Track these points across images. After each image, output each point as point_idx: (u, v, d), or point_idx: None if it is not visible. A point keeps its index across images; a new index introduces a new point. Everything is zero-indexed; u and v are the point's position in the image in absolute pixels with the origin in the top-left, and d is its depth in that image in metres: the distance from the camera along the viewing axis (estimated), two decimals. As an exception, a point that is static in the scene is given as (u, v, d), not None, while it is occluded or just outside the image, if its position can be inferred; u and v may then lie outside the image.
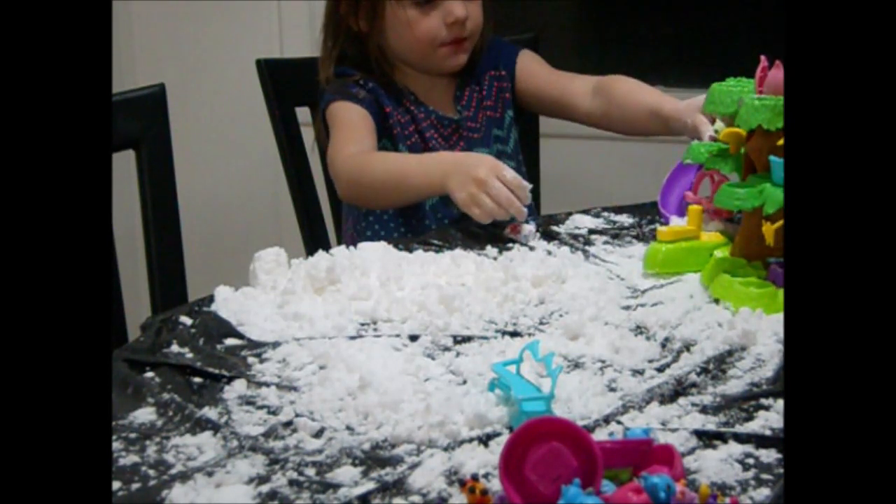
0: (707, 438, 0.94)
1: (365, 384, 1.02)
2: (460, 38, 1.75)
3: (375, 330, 1.19)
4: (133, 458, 0.92)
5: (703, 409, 1.00)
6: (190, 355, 1.13)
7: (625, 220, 1.57)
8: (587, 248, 1.45)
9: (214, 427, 0.97)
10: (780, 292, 1.20)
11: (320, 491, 0.87)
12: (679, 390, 1.03)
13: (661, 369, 1.08)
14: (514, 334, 1.17)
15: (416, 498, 0.86)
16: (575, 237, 1.50)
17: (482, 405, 0.97)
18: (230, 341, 1.16)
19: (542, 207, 1.97)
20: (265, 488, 0.87)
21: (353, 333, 1.17)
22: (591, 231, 1.52)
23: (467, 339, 1.16)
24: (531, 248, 1.44)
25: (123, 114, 1.58)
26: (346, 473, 0.89)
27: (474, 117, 1.81)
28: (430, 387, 1.04)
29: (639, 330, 1.18)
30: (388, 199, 1.66)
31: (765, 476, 0.88)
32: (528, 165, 1.92)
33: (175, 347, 1.15)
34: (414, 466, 0.90)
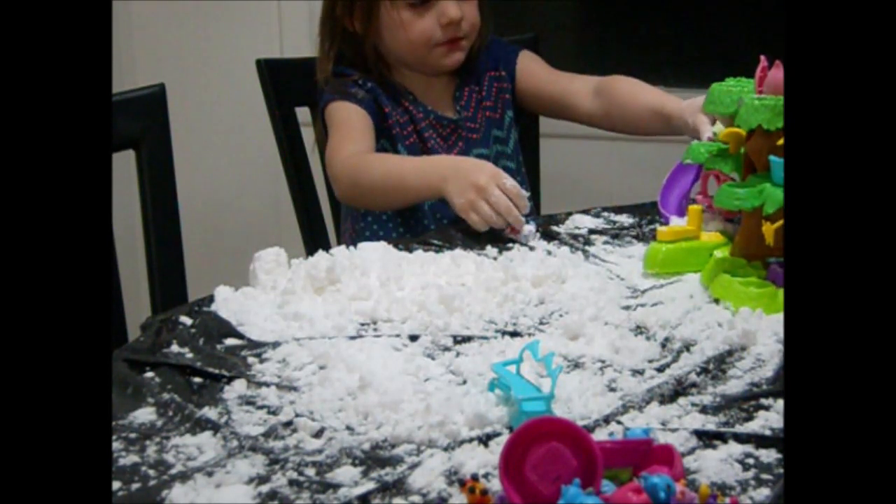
0: (707, 438, 0.94)
1: (365, 384, 1.02)
2: (455, 38, 1.75)
3: (375, 330, 1.19)
4: (133, 458, 0.92)
5: (703, 409, 1.00)
6: (190, 355, 1.13)
7: (625, 220, 1.57)
8: (587, 248, 1.45)
9: (214, 427, 0.97)
10: (780, 292, 1.20)
11: (320, 491, 0.87)
12: (679, 390, 1.03)
13: (661, 369, 1.08)
14: (514, 334, 1.17)
15: (416, 498, 0.86)
16: (575, 237, 1.50)
17: (482, 405, 0.97)
18: (230, 341, 1.16)
19: (542, 207, 1.97)
20: (265, 488, 0.87)
21: (353, 333, 1.17)
22: (591, 231, 1.52)
23: (467, 339, 1.16)
24: (531, 248, 1.44)
25: (123, 114, 1.58)
26: (346, 473, 0.89)
27: (473, 118, 1.80)
28: (430, 387, 1.04)
29: (639, 330, 1.18)
30: (385, 201, 1.66)
31: (765, 476, 0.88)
32: (528, 166, 1.92)
33: (175, 347, 1.15)
34: (414, 466, 0.90)
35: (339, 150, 1.67)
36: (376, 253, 1.37)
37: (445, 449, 0.92)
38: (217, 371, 1.08)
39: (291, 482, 0.88)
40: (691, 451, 0.92)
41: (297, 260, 1.35)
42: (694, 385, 1.04)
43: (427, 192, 1.58)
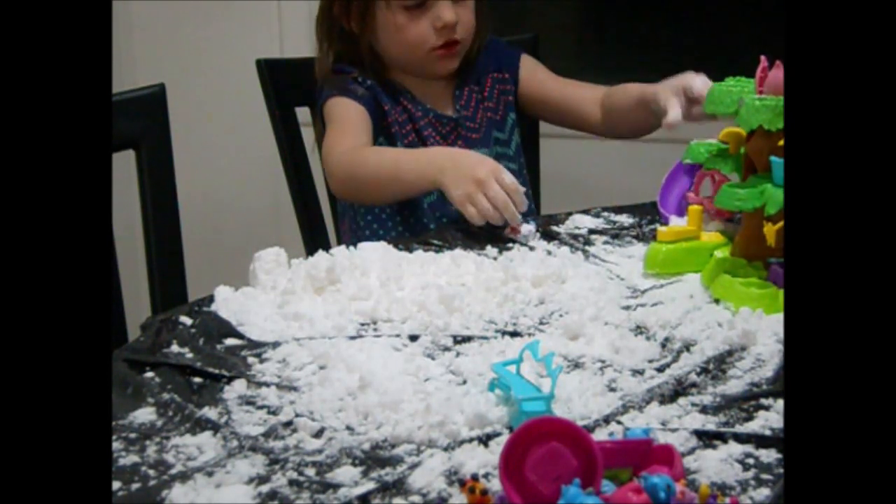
0: (707, 438, 0.94)
1: (365, 384, 1.02)
2: (451, 43, 1.74)
3: (375, 330, 1.19)
4: (133, 458, 0.92)
5: (703, 409, 1.00)
6: (190, 355, 1.13)
7: (625, 220, 1.57)
8: (587, 248, 1.45)
9: (214, 427, 0.97)
10: (781, 293, 1.20)
11: (320, 491, 0.87)
12: (679, 390, 1.03)
13: (661, 369, 1.08)
14: (514, 334, 1.17)
15: (416, 498, 0.86)
16: (575, 237, 1.50)
17: (482, 405, 0.97)
18: (230, 341, 1.16)
19: (542, 207, 1.97)
20: (265, 488, 0.87)
21: (353, 333, 1.17)
22: (591, 231, 1.52)
23: (467, 339, 1.16)
24: (531, 248, 1.44)
25: (123, 114, 1.58)
26: (346, 473, 0.89)
27: (473, 117, 1.80)
28: (430, 387, 1.04)
29: (639, 330, 1.18)
30: (381, 193, 1.64)
31: (765, 476, 0.88)
32: (528, 166, 1.92)
33: (175, 347, 1.15)
34: (414, 466, 0.90)
35: (336, 144, 1.67)
36: (376, 253, 1.37)
37: (445, 449, 0.92)
38: (217, 371, 1.08)
39: (291, 482, 0.88)
40: (691, 451, 0.92)
41: (297, 260, 1.35)
42: (694, 385, 1.04)
43: (424, 183, 1.57)
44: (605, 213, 1.60)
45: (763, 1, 2.26)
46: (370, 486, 0.87)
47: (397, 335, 1.16)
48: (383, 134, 1.74)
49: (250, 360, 1.12)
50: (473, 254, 1.39)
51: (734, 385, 1.05)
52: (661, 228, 1.38)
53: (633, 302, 1.26)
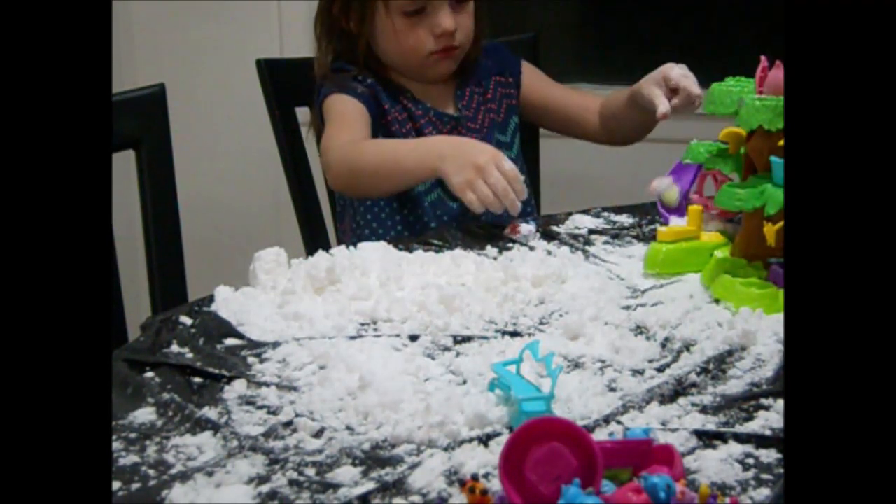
0: (707, 438, 0.94)
1: (365, 384, 1.02)
2: (449, 48, 1.74)
3: (375, 330, 1.19)
4: (133, 458, 0.92)
5: (703, 409, 1.00)
6: (190, 355, 1.13)
7: (625, 220, 1.57)
8: (587, 248, 1.45)
9: (214, 427, 0.97)
10: (781, 293, 1.20)
11: (320, 491, 0.87)
12: (679, 390, 1.03)
13: (661, 369, 1.08)
14: (514, 334, 1.17)
15: (416, 498, 0.86)
16: (575, 237, 1.50)
17: (482, 405, 0.97)
18: (230, 341, 1.16)
19: (542, 207, 1.97)
20: (265, 488, 0.87)
21: (353, 333, 1.17)
22: (591, 231, 1.52)
23: (467, 339, 1.16)
24: (531, 248, 1.44)
25: (123, 114, 1.58)
26: (346, 473, 0.89)
27: (474, 117, 1.80)
28: (430, 387, 1.04)
29: (639, 330, 1.18)
30: (380, 184, 1.62)
31: (765, 476, 0.88)
32: (529, 166, 1.92)
33: (175, 347, 1.15)
34: (414, 466, 0.90)
35: (335, 138, 1.66)
36: (376, 253, 1.37)
37: (445, 449, 0.92)
38: (217, 371, 1.08)
39: (291, 482, 0.88)
40: (691, 451, 0.92)
41: (297, 260, 1.35)
42: (694, 385, 1.04)
43: (424, 171, 1.56)
44: (605, 213, 1.60)
45: (763, 1, 2.26)
46: (370, 486, 0.87)
47: (397, 335, 1.16)
48: (383, 132, 1.74)
49: (250, 360, 1.12)
50: (473, 254, 1.39)
51: (734, 385, 1.05)
52: (661, 228, 1.38)
53: (633, 302, 1.26)
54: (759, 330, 1.13)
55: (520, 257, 1.39)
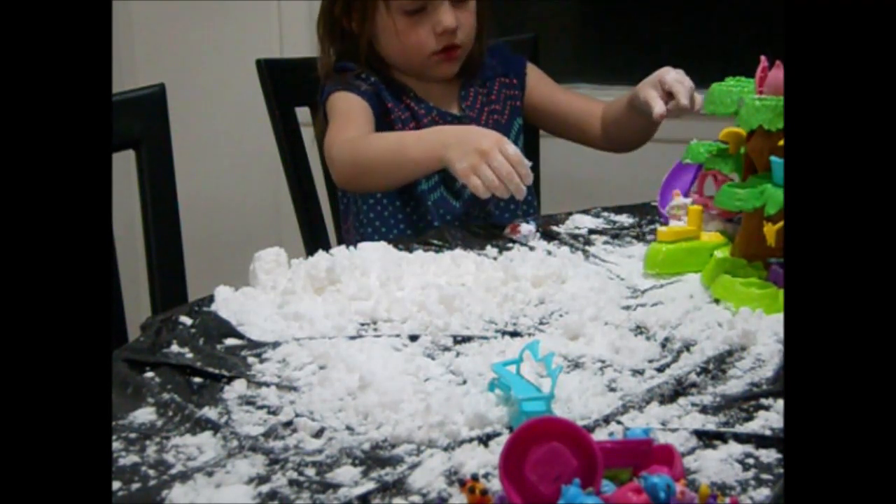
0: (707, 438, 0.94)
1: (365, 384, 1.02)
2: (451, 47, 1.74)
3: (375, 330, 1.19)
4: (133, 458, 0.92)
5: (703, 409, 1.00)
6: (190, 355, 1.13)
7: (625, 220, 1.57)
8: (587, 248, 1.45)
9: (214, 427, 0.97)
10: (781, 293, 1.20)
11: (320, 491, 0.87)
12: (679, 390, 1.03)
13: (661, 369, 1.08)
14: (514, 334, 1.17)
15: (416, 498, 0.86)
16: (575, 237, 1.50)
17: (482, 405, 0.97)
18: (230, 341, 1.16)
19: (542, 207, 1.97)
20: (265, 488, 0.87)
21: (353, 333, 1.17)
22: (591, 231, 1.53)
23: (467, 339, 1.16)
24: (531, 248, 1.44)
25: (123, 114, 1.58)
26: (346, 473, 0.89)
27: (477, 118, 1.80)
28: (430, 387, 1.04)
29: (639, 330, 1.18)
30: (385, 176, 1.62)
31: (765, 476, 0.88)
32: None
33: (175, 347, 1.15)
34: (414, 466, 0.90)
35: (339, 135, 1.66)
36: (376, 253, 1.37)
37: (445, 449, 0.92)
38: (217, 371, 1.08)
39: (291, 482, 0.88)
40: (691, 451, 0.92)
41: (297, 260, 1.35)
42: (694, 385, 1.04)
43: (430, 161, 1.55)
44: (605, 213, 1.60)
45: (763, 1, 2.26)
46: (370, 486, 0.87)
47: (397, 335, 1.16)
48: (386, 131, 1.74)
49: (250, 360, 1.12)
50: (473, 254, 1.39)
51: (734, 385, 1.05)
52: (661, 228, 1.38)
53: (633, 302, 1.26)
54: (759, 330, 1.13)
55: (520, 257, 1.39)
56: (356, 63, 1.77)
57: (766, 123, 1.23)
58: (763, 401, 1.01)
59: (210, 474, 0.89)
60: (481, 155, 1.46)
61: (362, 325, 1.20)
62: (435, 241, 1.48)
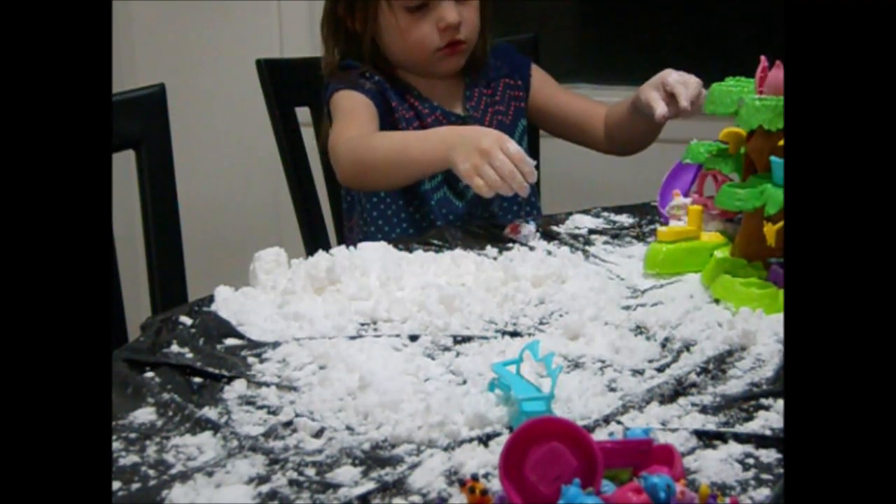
0: (707, 438, 0.94)
1: (365, 384, 1.02)
2: (455, 43, 1.74)
3: (375, 330, 1.19)
4: (133, 458, 0.92)
5: (703, 409, 1.00)
6: (190, 355, 1.13)
7: (625, 220, 1.57)
8: (587, 248, 1.45)
9: (214, 427, 0.97)
10: (781, 293, 1.20)
11: (320, 491, 0.87)
12: (679, 390, 1.03)
13: (661, 369, 1.08)
14: (514, 334, 1.17)
15: (416, 498, 0.86)
16: (575, 237, 1.50)
17: (482, 405, 0.97)
18: (230, 341, 1.16)
19: (543, 207, 1.97)
20: (265, 488, 0.87)
21: (353, 333, 1.17)
22: (591, 231, 1.52)
23: (467, 339, 1.16)
24: (531, 248, 1.44)
25: (123, 114, 1.58)
26: (346, 473, 0.89)
27: (482, 118, 1.80)
28: (430, 387, 1.04)
29: (639, 330, 1.18)
30: (389, 176, 1.62)
31: (765, 476, 0.88)
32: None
33: (175, 347, 1.15)
34: (414, 466, 0.90)
35: (343, 133, 1.66)
36: (376, 253, 1.37)
37: (445, 449, 0.92)
38: (217, 371, 1.08)
39: (291, 482, 0.88)
40: (691, 451, 0.92)
41: (297, 260, 1.35)
42: (694, 385, 1.04)
43: (433, 163, 1.55)
44: (605, 213, 1.60)
45: (763, 1, 2.26)
46: (370, 486, 0.87)
47: (397, 335, 1.16)
48: (390, 130, 1.74)
49: (250, 360, 1.12)
50: (473, 254, 1.39)
51: (734, 385, 1.05)
52: (661, 228, 1.38)
53: (633, 302, 1.26)
54: (759, 330, 1.13)
55: (520, 257, 1.39)
56: (360, 62, 1.77)
57: (766, 123, 1.23)
58: (763, 401, 1.01)
59: (210, 474, 0.89)
60: (483, 154, 1.46)
61: (362, 325, 1.20)
62: (435, 241, 1.48)
